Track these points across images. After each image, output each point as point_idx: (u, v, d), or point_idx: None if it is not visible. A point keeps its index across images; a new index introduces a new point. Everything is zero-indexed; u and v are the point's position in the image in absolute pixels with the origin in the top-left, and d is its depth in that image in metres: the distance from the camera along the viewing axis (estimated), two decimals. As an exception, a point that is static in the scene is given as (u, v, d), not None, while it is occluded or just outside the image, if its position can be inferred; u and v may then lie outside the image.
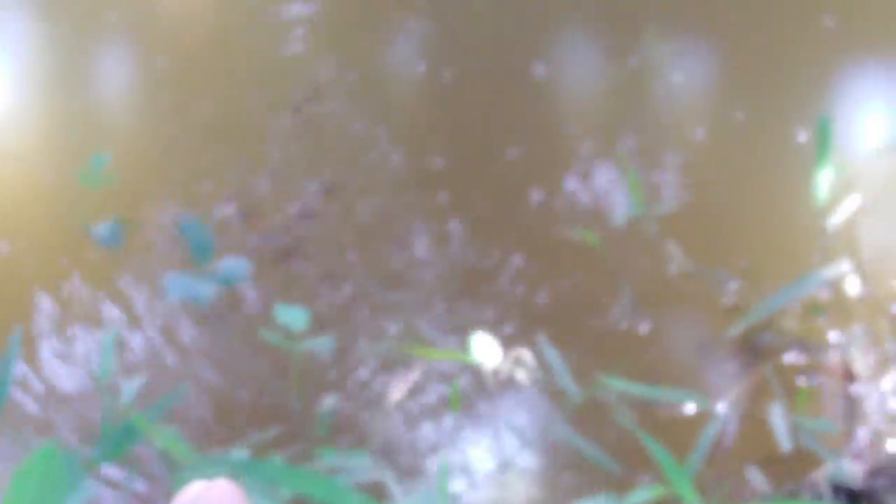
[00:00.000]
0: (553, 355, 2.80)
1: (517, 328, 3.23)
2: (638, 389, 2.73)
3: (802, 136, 3.47)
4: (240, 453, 2.63)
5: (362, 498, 2.12)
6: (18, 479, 1.94)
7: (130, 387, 2.66)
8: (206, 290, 2.70)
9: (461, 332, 3.03)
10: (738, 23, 4.20)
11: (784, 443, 3.05)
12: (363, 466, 2.33)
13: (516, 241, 3.60)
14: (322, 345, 2.82)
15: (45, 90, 4.03)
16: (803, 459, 3.09)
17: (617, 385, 2.69)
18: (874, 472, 2.97)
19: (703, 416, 3.12)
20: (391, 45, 4.35)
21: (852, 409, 3.23)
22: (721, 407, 3.23)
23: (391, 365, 3.21)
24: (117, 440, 2.52)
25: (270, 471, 2.35)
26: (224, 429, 3.16)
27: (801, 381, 3.30)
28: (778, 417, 3.09)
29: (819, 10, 4.12)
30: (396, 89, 4.21)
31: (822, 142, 3.18)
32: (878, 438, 3.11)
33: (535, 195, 3.71)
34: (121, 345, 2.68)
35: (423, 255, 3.61)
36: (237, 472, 2.54)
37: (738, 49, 4.13)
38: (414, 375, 3.14)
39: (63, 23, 4.23)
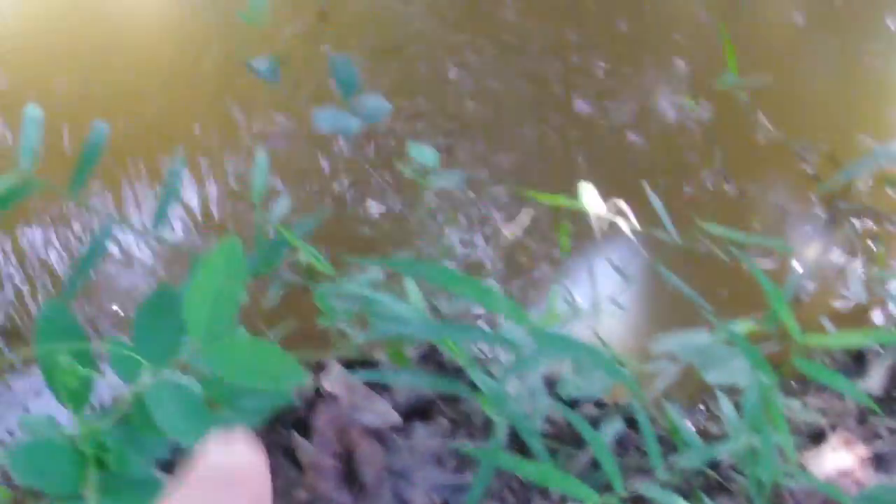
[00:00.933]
0: (657, 201, 2.90)
1: (617, 183, 3.38)
2: (734, 235, 2.84)
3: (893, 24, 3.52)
4: (374, 270, 2.78)
5: (510, 303, 2.28)
6: (203, 268, 2.08)
7: (280, 205, 2.79)
8: (352, 123, 2.83)
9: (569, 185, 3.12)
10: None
11: (860, 296, 3.22)
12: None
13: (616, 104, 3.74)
14: (453, 179, 2.95)
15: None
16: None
17: (715, 230, 2.80)
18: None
19: (784, 271, 3.28)
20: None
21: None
22: (800, 261, 3.39)
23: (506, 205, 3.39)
24: (269, 252, 2.68)
25: (424, 271, 2.49)
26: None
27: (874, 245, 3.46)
28: (856, 273, 3.25)
29: None
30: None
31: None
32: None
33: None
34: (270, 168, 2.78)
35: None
36: (398, 269, 2.70)
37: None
38: (527, 215, 3.30)
39: None
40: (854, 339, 2.80)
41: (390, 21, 3.96)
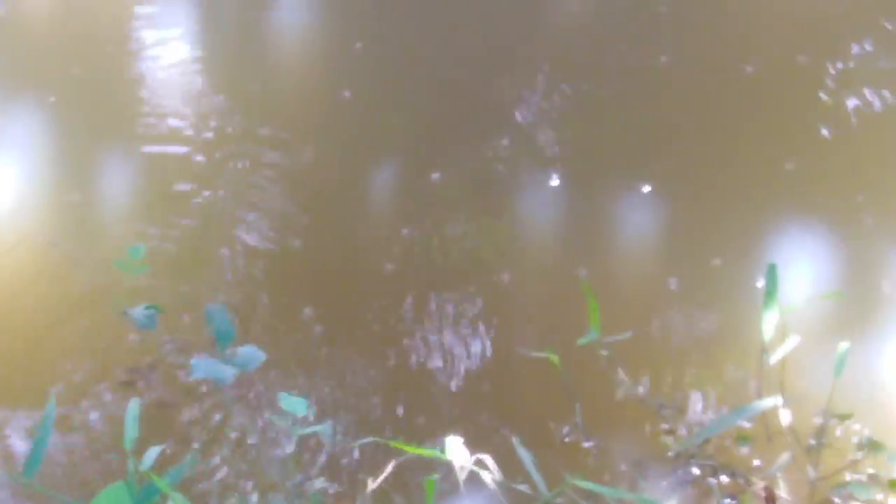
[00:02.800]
0: (526, 455, 2.88)
1: (484, 432, 3.35)
2: (603, 490, 2.81)
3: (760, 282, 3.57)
4: None
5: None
6: None
7: (151, 453, 2.73)
8: (228, 372, 2.79)
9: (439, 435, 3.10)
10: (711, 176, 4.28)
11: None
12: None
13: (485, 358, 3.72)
14: (324, 430, 2.91)
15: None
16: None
17: (584, 485, 2.77)
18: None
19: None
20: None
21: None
22: (658, 519, 3.36)
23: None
24: (144, 496, 2.60)
25: None
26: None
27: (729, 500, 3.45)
28: (715, 531, 3.23)
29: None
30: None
31: (770, 286, 3.34)
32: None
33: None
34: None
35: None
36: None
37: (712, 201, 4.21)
38: (392, 466, 3.23)
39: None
40: None
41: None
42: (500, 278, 3.94)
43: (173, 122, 4.29)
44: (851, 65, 4.53)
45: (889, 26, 4.63)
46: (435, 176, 4.20)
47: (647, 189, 4.14)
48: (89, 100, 4.30)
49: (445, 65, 4.62)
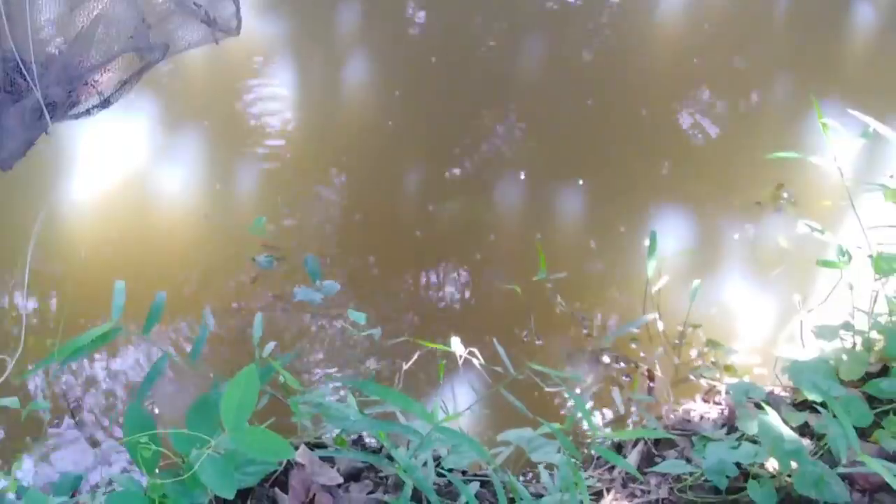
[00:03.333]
0: (500, 349, 2.96)
1: (474, 335, 3.45)
2: (549, 371, 2.89)
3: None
4: (326, 388, 2.82)
5: (421, 407, 2.33)
6: (232, 385, 2.10)
7: (269, 346, 2.82)
8: (316, 296, 2.88)
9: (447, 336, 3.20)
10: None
11: (620, 409, 3.31)
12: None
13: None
14: (375, 333, 2.99)
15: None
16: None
17: (537, 367, 2.85)
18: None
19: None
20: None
21: (651, 393, 3.47)
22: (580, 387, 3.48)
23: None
24: (263, 374, 2.70)
25: (363, 387, 2.55)
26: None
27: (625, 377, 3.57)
28: (616, 394, 3.34)
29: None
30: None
31: (652, 244, 3.44)
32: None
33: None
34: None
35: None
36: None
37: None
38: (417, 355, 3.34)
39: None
40: (626, 434, 2.89)
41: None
42: (488, 238, 3.99)
43: (274, 142, 4.28)
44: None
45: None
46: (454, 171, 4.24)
47: (580, 182, 4.18)
48: (224, 125, 4.31)
49: (448, 97, 4.62)
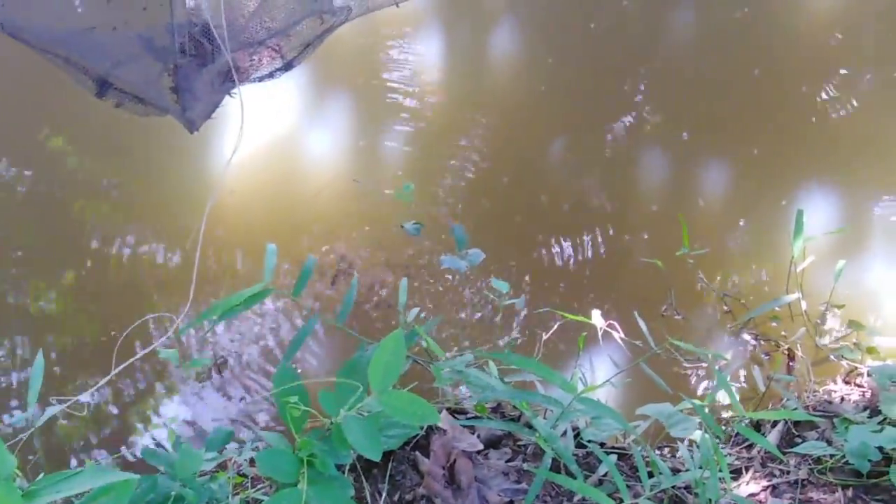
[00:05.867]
0: (641, 322, 2.91)
1: (616, 309, 3.39)
2: (688, 347, 2.83)
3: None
4: (468, 355, 2.78)
5: (563, 379, 2.28)
6: (380, 348, 2.08)
7: (413, 312, 2.80)
8: (462, 264, 2.85)
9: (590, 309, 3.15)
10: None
11: (760, 387, 3.21)
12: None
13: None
14: (518, 302, 2.95)
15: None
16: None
17: (677, 343, 2.80)
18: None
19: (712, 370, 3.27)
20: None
21: (791, 372, 3.36)
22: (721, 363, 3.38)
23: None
24: (408, 339, 2.68)
25: (505, 358, 2.50)
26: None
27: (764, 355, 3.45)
28: (757, 372, 3.24)
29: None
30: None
31: (798, 224, 3.32)
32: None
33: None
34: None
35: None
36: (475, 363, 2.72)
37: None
38: (557, 325, 3.29)
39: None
40: (769, 415, 2.79)
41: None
42: (629, 210, 3.90)
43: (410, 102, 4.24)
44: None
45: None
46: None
47: (732, 157, 4.03)
48: (373, 93, 4.28)
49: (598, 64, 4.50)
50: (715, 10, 4.74)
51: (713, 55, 4.52)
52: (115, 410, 3.20)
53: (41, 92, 3.98)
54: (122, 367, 2.55)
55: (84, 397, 3.06)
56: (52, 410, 2.29)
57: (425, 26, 4.55)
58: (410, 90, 4.27)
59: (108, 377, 2.55)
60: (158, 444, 2.94)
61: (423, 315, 3.21)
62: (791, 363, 3.40)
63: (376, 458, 1.99)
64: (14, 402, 3.19)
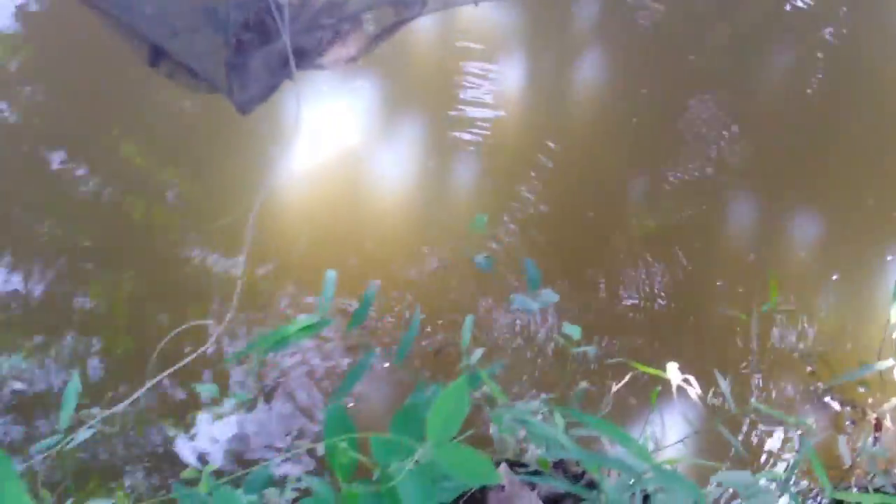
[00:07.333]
0: (723, 383, 2.72)
1: (690, 363, 3.17)
2: (770, 412, 2.64)
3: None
4: (534, 403, 2.60)
5: (639, 445, 2.08)
6: (442, 397, 1.91)
7: (476, 354, 2.64)
8: (533, 305, 2.68)
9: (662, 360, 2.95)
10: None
11: (846, 459, 2.97)
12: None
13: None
14: (590, 350, 2.78)
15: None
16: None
17: (759, 407, 2.60)
18: None
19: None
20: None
21: (877, 444, 3.14)
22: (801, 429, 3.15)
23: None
24: (470, 382, 2.51)
25: (577, 415, 2.31)
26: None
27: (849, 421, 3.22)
28: (843, 443, 3.00)
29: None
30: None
31: (896, 288, 3.10)
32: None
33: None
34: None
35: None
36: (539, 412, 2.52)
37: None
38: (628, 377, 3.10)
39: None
40: (860, 497, 2.56)
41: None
42: (710, 257, 3.66)
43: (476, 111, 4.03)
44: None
45: None
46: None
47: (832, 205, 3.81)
48: (436, 101, 4.07)
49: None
50: (819, 50, 4.46)
51: (816, 97, 4.24)
52: (152, 418, 3.03)
53: (114, 93, 3.82)
54: (153, 381, 2.39)
55: (118, 408, 2.90)
56: (82, 436, 2.13)
57: (506, 44, 4.31)
58: (485, 112, 4.03)
59: (139, 392, 2.39)
60: (193, 478, 2.74)
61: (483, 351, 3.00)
62: (877, 434, 3.15)
63: (431, 516, 1.82)
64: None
